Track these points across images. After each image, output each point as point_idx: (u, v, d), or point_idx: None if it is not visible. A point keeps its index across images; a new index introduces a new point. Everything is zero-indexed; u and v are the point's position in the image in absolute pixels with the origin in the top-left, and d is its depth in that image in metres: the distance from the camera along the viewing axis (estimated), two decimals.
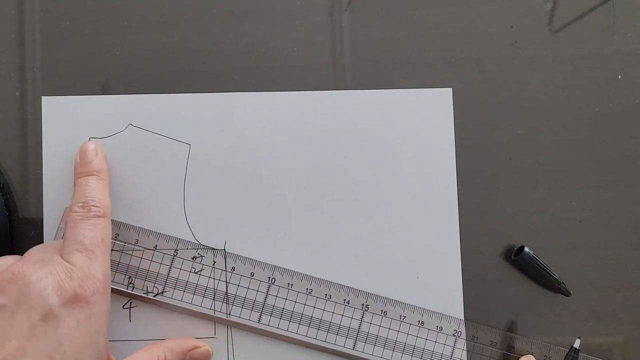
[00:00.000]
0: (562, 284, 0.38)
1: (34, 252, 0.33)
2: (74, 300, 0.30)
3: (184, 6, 0.39)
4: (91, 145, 0.37)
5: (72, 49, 0.39)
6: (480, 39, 0.40)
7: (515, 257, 0.38)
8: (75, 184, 0.36)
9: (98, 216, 0.34)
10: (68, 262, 0.32)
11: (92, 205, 0.34)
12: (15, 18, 0.39)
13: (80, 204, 0.34)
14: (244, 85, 0.39)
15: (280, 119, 0.38)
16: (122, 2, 0.39)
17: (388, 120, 0.39)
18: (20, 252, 0.37)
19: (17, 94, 0.38)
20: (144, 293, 0.37)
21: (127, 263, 0.37)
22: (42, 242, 0.37)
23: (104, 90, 0.38)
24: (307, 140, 0.38)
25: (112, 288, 0.35)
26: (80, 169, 0.36)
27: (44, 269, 0.31)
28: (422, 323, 0.37)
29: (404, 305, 0.38)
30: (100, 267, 0.32)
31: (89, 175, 0.35)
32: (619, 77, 0.40)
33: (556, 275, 0.38)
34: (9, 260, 0.33)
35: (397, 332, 0.37)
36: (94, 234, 0.33)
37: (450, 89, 0.39)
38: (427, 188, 0.38)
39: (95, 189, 0.35)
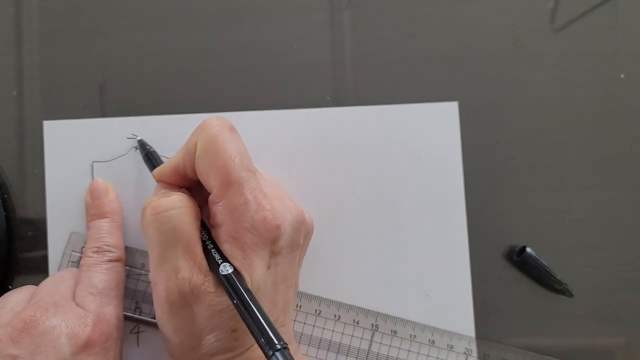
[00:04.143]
0: (564, 285, 0.38)
1: (45, 290, 0.33)
2: (88, 347, 0.30)
3: (183, 4, 0.39)
4: (101, 184, 0.36)
5: (70, 48, 0.38)
6: (481, 37, 0.39)
7: (517, 258, 0.38)
8: (88, 226, 0.36)
9: (112, 260, 0.34)
10: (82, 306, 0.31)
11: (107, 250, 0.34)
12: (13, 16, 0.39)
13: (95, 249, 0.34)
14: (242, 84, 0.38)
15: (285, 138, 0.38)
16: (120, 0, 0.39)
17: (394, 137, 0.38)
18: (18, 251, 0.37)
19: (15, 92, 0.38)
20: (152, 317, 0.36)
21: (134, 288, 0.36)
22: (40, 243, 0.37)
23: (102, 89, 0.38)
24: (311, 158, 0.38)
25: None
26: (93, 211, 0.36)
27: (56, 317, 0.30)
28: (433, 342, 0.37)
29: (414, 324, 0.37)
30: (114, 311, 0.32)
31: (102, 218, 0.35)
32: (622, 76, 0.40)
33: (558, 276, 0.38)
34: (21, 295, 0.33)
35: (407, 352, 0.37)
36: (108, 277, 0.33)
37: (456, 102, 0.38)
38: (434, 205, 0.38)
39: (109, 233, 0.35)
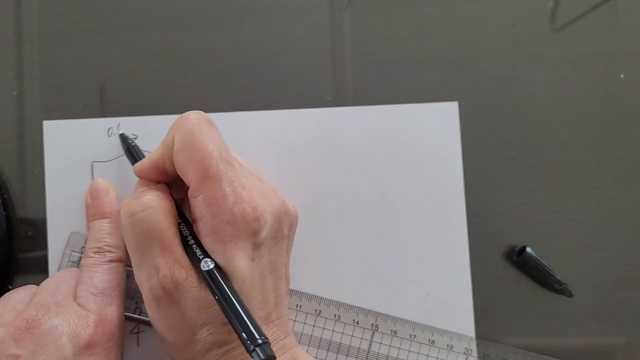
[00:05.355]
0: (564, 285, 0.38)
1: (47, 290, 0.32)
2: (89, 347, 0.30)
3: (183, 4, 0.39)
4: (101, 184, 0.36)
5: (71, 48, 0.38)
6: (481, 38, 0.39)
7: (517, 258, 0.38)
8: (88, 227, 0.36)
9: (112, 261, 0.34)
10: (83, 307, 0.31)
11: (107, 251, 0.34)
12: (14, 17, 0.39)
13: (95, 249, 0.34)
14: (242, 84, 0.38)
15: (285, 138, 0.38)
16: (121, 0, 0.39)
17: (394, 137, 0.38)
18: (18, 251, 0.37)
19: (15, 93, 0.38)
20: None
21: (135, 288, 0.36)
22: (40, 243, 0.37)
23: (102, 89, 0.38)
24: (311, 158, 0.38)
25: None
26: (93, 211, 0.36)
27: (58, 316, 0.30)
28: (433, 342, 0.37)
29: (414, 324, 0.37)
30: (116, 312, 0.32)
31: (102, 219, 0.35)
32: (622, 76, 0.40)
33: (558, 276, 0.38)
34: (22, 294, 0.33)
35: (407, 352, 0.37)
36: (109, 277, 0.33)
37: (456, 102, 0.38)
38: (434, 205, 0.38)
39: (110, 233, 0.35)
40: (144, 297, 0.30)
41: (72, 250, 0.36)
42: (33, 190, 0.37)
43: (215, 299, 0.28)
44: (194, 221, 0.30)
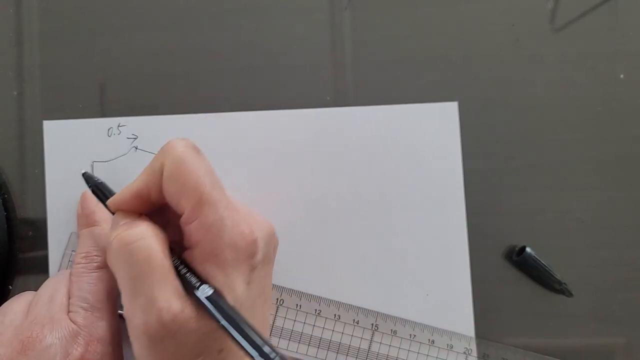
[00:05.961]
0: (564, 285, 0.38)
1: (42, 301, 0.32)
2: None
3: (183, 4, 0.39)
4: (90, 194, 0.35)
5: (71, 48, 0.38)
6: (481, 38, 0.39)
7: (517, 258, 0.38)
8: (78, 235, 0.35)
9: (100, 267, 0.33)
10: (75, 322, 0.31)
11: (95, 255, 0.33)
12: (14, 17, 0.39)
13: (83, 255, 0.33)
14: (242, 84, 0.38)
15: (285, 138, 0.38)
16: (121, 0, 0.39)
17: (394, 137, 0.38)
18: (19, 251, 0.37)
19: (15, 93, 0.38)
20: None
21: None
22: (40, 243, 0.37)
23: (102, 89, 0.38)
24: (312, 158, 0.38)
25: (119, 313, 0.34)
26: (82, 221, 0.35)
27: (52, 334, 0.30)
28: (433, 342, 0.37)
29: (414, 324, 0.37)
30: (108, 326, 0.32)
31: (92, 226, 0.35)
32: (621, 76, 0.40)
33: (558, 276, 0.38)
34: (19, 306, 0.32)
35: (407, 352, 0.37)
36: (99, 288, 0.32)
37: (456, 102, 0.38)
38: (434, 205, 0.38)
39: (99, 239, 0.34)
40: (133, 332, 0.28)
41: (72, 250, 0.36)
42: (33, 190, 0.37)
43: (220, 324, 0.27)
44: (188, 248, 0.29)
